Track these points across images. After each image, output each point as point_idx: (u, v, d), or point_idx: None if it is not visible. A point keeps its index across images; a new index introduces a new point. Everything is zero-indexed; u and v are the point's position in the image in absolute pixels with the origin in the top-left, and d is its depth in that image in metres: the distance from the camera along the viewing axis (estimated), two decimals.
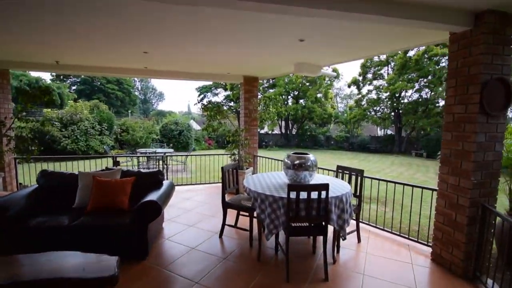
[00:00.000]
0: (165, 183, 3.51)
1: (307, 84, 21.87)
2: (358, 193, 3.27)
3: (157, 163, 8.22)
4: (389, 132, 23.39)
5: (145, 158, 8.21)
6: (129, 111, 28.14)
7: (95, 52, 3.97)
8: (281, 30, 2.93)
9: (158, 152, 8.01)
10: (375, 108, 21.00)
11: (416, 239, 3.38)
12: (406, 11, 2.35)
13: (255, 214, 2.86)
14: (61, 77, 27.94)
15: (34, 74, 23.34)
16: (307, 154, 3.04)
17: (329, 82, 22.73)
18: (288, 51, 3.81)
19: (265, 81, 22.27)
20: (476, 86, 2.54)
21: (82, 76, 28.56)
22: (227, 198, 3.41)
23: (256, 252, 2.96)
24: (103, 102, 16.56)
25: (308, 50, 3.72)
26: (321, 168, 4.39)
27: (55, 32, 3.07)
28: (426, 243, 3.27)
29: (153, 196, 2.88)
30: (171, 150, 9.24)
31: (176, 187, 5.96)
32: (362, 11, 2.23)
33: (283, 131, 24.14)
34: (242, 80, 5.89)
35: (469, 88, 2.61)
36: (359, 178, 3.30)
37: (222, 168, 3.30)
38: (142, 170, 3.46)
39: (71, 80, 29.79)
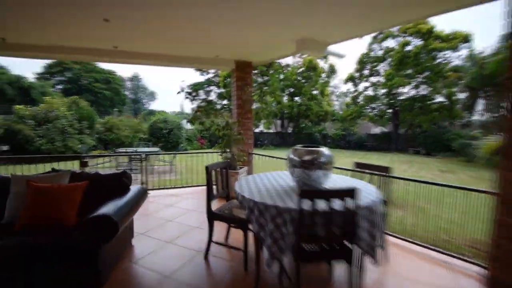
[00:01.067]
0: (133, 188, 2.70)
1: (303, 80, 21.20)
2: (384, 198, 2.54)
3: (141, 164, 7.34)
4: (385, 129, 22.92)
5: (127, 158, 7.32)
6: (116, 109, 26.98)
7: (46, 19, 3.12)
8: None
9: (138, 152, 7.13)
10: (371, 105, 20.49)
11: (455, 255, 2.67)
12: None
13: (251, 227, 2.10)
14: (47, 75, 26.70)
15: (15, 72, 22.05)
16: (318, 147, 2.29)
17: (326, 78, 22.13)
18: (289, 22, 3.07)
19: (258, 79, 21.49)
20: None
21: (70, 75, 27.37)
22: (215, 206, 2.64)
23: (253, 279, 2.20)
24: (90, 101, 15.47)
25: (314, 21, 3.00)
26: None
27: None
28: (468, 259, 2.57)
29: (109, 208, 2.08)
30: (156, 149, 8.36)
31: (159, 192, 5.16)
32: None
33: (279, 129, 23.42)
34: (233, 66, 5.10)
35: None
36: (384, 178, 2.57)
37: (206, 167, 2.51)
38: (101, 172, 2.65)
39: (57, 79, 28.50)
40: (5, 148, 9.81)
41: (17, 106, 10.16)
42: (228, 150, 4.67)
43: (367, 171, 2.81)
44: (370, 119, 20.80)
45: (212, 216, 2.51)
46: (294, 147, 2.29)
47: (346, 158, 13.97)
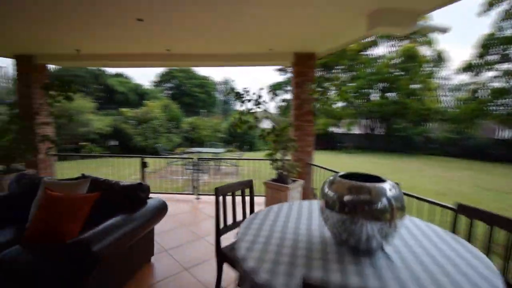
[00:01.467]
0: (151, 203, 2.41)
1: (401, 73, 17.59)
2: None
3: (208, 165, 7.67)
4: None
5: (196, 157, 7.68)
6: (204, 110, 30.31)
7: (102, 31, 3.29)
8: None
9: (202, 152, 7.29)
10: (499, 100, 15.08)
11: None
12: None
13: None
14: (160, 82, 32.74)
15: (134, 81, 28.03)
16: (380, 178, 1.32)
17: (431, 68, 17.87)
18: None
19: (342, 74, 19.40)
20: None
21: (177, 82, 32.29)
22: (227, 241, 2.02)
23: None
24: (188, 104, 17.65)
25: None
26: (413, 197, 2.42)
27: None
28: None
29: (94, 232, 1.78)
30: (220, 150, 8.47)
31: (209, 198, 4.94)
32: None
33: (367, 130, 20.41)
34: (292, 60, 4.32)
35: None
36: None
37: (216, 190, 1.92)
38: (120, 183, 2.47)
39: (167, 85, 34.48)
40: (115, 143, 12.18)
41: (122, 108, 12.50)
42: (279, 159, 3.95)
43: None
44: (497, 119, 15.32)
45: (220, 258, 1.90)
46: (331, 178, 1.39)
47: (456, 171, 10.66)
